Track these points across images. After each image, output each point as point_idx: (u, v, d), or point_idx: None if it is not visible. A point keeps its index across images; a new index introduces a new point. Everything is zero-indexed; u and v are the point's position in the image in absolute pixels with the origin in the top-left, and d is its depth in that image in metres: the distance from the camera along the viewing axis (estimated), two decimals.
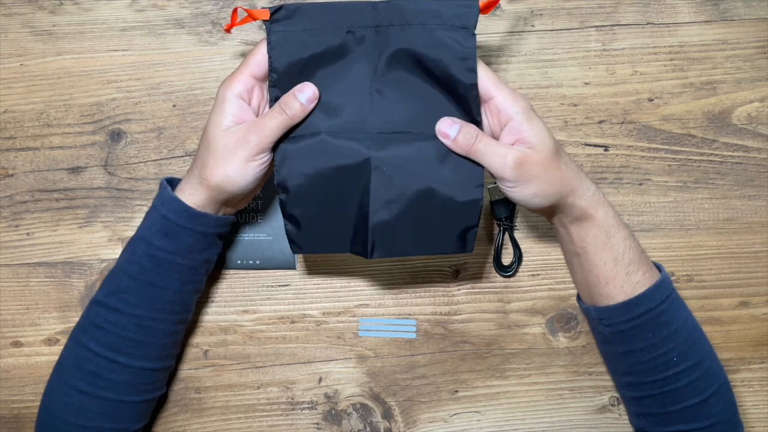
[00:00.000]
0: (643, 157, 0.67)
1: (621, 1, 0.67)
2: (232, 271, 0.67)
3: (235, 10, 0.58)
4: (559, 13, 0.67)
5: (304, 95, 0.54)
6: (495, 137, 0.55)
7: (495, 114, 0.55)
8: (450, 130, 0.54)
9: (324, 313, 0.67)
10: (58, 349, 0.66)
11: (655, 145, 0.67)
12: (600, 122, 0.67)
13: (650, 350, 0.57)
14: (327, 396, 0.67)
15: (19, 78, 0.67)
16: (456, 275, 0.67)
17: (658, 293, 0.56)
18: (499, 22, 0.67)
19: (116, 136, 0.67)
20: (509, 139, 0.54)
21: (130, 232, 0.66)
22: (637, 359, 0.58)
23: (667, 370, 0.57)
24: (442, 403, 0.67)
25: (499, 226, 0.66)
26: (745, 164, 0.67)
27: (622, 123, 0.67)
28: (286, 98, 0.54)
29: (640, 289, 0.56)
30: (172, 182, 0.59)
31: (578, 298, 0.63)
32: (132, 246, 0.58)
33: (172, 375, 0.66)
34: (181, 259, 0.57)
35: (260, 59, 0.55)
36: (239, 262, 0.66)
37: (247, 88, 0.55)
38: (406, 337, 0.67)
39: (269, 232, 0.66)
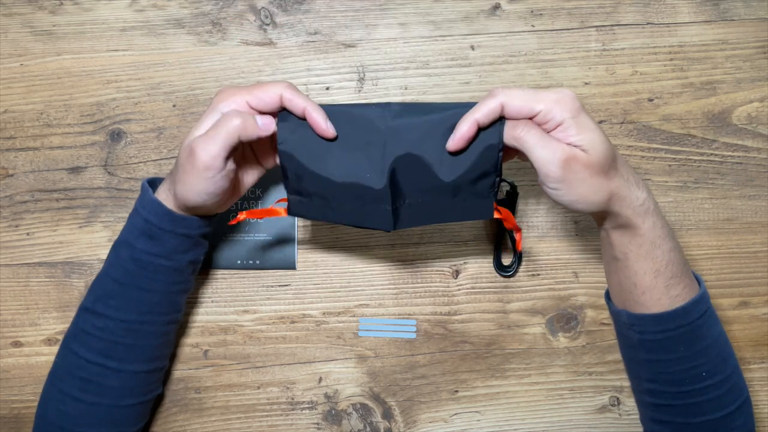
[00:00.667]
0: (643, 157, 0.67)
1: (621, 1, 0.67)
2: (232, 271, 0.67)
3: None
4: (559, 13, 0.67)
5: (261, 119, 0.53)
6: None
7: (543, 125, 0.51)
8: (499, 106, 0.51)
9: (324, 313, 0.67)
10: (58, 349, 0.66)
11: (655, 145, 0.67)
12: (600, 122, 0.67)
13: (679, 362, 0.55)
14: (327, 396, 0.67)
15: (19, 78, 0.67)
16: (456, 275, 0.67)
17: (696, 309, 0.54)
18: (499, 22, 0.67)
19: (116, 136, 0.67)
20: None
21: None
22: (664, 369, 0.56)
23: (694, 384, 0.55)
24: (442, 403, 0.67)
25: (499, 226, 0.66)
26: (745, 164, 0.67)
27: (622, 123, 0.67)
28: (241, 114, 0.52)
29: (679, 303, 0.54)
30: (154, 183, 0.58)
31: (607, 297, 0.61)
32: (116, 250, 0.57)
33: (168, 374, 0.66)
34: (165, 261, 0.57)
35: (265, 97, 0.52)
36: (239, 262, 0.66)
37: (230, 150, 0.52)
38: (406, 337, 0.67)
39: (269, 232, 0.66)
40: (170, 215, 0.55)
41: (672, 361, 0.55)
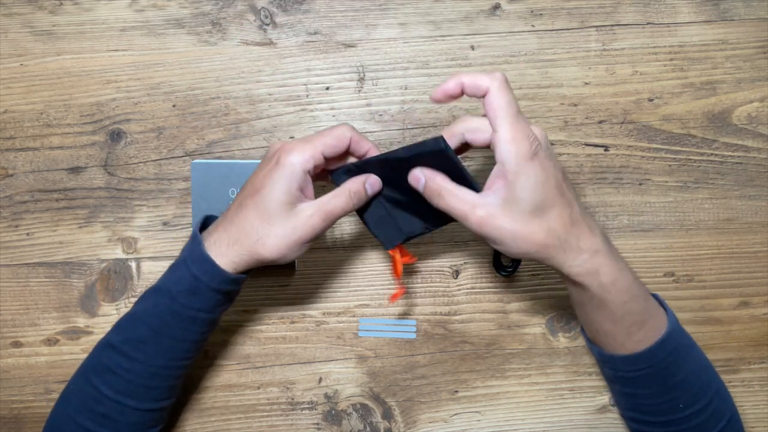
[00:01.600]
0: (643, 157, 0.67)
1: (621, 1, 0.67)
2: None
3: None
4: (559, 13, 0.67)
5: (371, 186, 0.55)
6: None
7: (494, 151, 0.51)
8: (418, 183, 0.53)
9: (324, 313, 0.67)
10: (57, 349, 0.66)
11: (655, 145, 0.67)
12: (600, 122, 0.67)
13: (655, 396, 0.55)
14: (327, 396, 0.67)
15: (19, 78, 0.67)
16: (456, 275, 0.67)
17: (663, 349, 0.54)
18: (499, 22, 0.67)
19: (116, 136, 0.67)
20: (492, 181, 0.51)
21: (130, 232, 0.66)
22: (641, 401, 0.57)
23: (674, 414, 0.55)
24: (442, 403, 0.67)
25: None
26: (745, 164, 0.67)
27: (622, 123, 0.67)
28: (356, 186, 0.55)
29: (643, 346, 0.54)
30: (206, 223, 0.57)
31: (582, 330, 0.61)
32: (155, 297, 0.56)
33: None
34: (205, 315, 0.55)
35: (338, 144, 0.54)
36: None
37: (317, 164, 0.53)
38: (406, 337, 0.67)
39: None
40: (224, 276, 0.53)
41: (648, 395, 0.56)
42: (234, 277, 0.54)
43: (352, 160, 0.57)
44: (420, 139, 0.66)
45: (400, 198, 0.57)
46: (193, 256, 0.54)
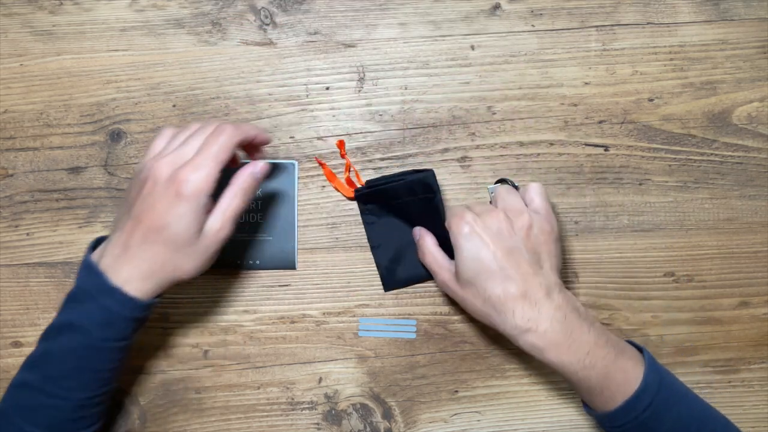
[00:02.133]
0: (643, 157, 0.67)
1: (621, 1, 0.67)
2: (232, 271, 0.67)
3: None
4: (559, 13, 0.67)
5: (260, 172, 0.56)
6: None
7: None
8: (415, 238, 0.64)
9: (324, 313, 0.67)
10: None
11: (655, 145, 0.67)
12: (600, 122, 0.67)
13: None
14: (327, 396, 0.67)
15: (19, 78, 0.67)
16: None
17: (637, 406, 0.53)
18: (499, 22, 0.67)
19: (116, 136, 0.67)
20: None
21: None
22: None
23: None
24: (442, 403, 0.67)
25: None
26: (745, 164, 0.67)
27: (622, 123, 0.67)
28: (246, 183, 0.55)
29: (614, 404, 0.54)
30: (98, 243, 0.57)
31: None
32: (67, 334, 0.54)
33: (167, 374, 0.66)
34: (123, 343, 0.55)
35: (226, 156, 0.53)
36: (239, 262, 0.66)
37: (215, 182, 0.53)
38: (406, 337, 0.67)
39: (270, 232, 0.66)
40: (136, 305, 0.53)
41: None
42: (149, 303, 0.54)
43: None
44: (420, 138, 0.66)
45: (403, 240, 0.65)
46: (99, 288, 0.53)
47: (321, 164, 0.66)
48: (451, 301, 0.67)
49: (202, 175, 0.52)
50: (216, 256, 0.55)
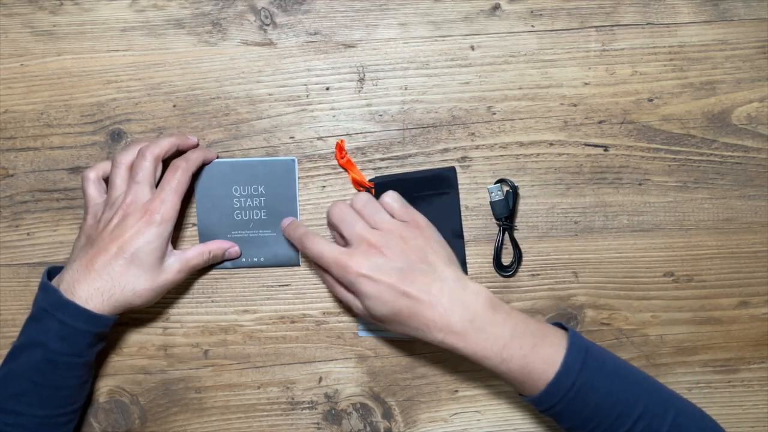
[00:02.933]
0: (643, 157, 0.67)
1: (621, 1, 0.67)
2: (232, 271, 0.67)
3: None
4: (559, 13, 0.67)
5: (229, 255, 0.65)
6: None
7: None
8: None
9: (324, 313, 0.67)
10: None
11: (654, 145, 0.67)
12: (600, 122, 0.67)
13: (580, 428, 0.55)
14: (327, 396, 0.67)
15: (20, 78, 0.67)
16: None
17: (560, 388, 0.54)
18: (499, 22, 0.67)
19: (116, 136, 0.67)
20: None
21: None
22: None
23: None
24: (442, 403, 0.67)
25: (498, 226, 0.66)
26: (745, 164, 0.67)
27: (622, 123, 0.67)
28: (216, 250, 0.64)
29: (538, 388, 0.54)
30: (51, 273, 0.60)
31: None
32: (26, 351, 0.57)
33: (168, 374, 0.66)
34: (80, 359, 0.57)
35: (186, 179, 0.61)
36: (243, 260, 0.66)
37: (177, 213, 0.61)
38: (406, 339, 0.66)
39: (273, 229, 0.66)
40: (92, 317, 0.57)
41: (574, 428, 0.55)
42: (104, 317, 0.57)
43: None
44: (420, 139, 0.67)
45: None
46: (55, 304, 0.57)
47: (341, 149, 0.66)
48: None
49: (168, 206, 0.59)
50: (162, 295, 0.62)
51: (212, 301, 0.67)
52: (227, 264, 0.66)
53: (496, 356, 0.55)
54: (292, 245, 0.64)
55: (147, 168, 0.60)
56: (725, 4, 0.67)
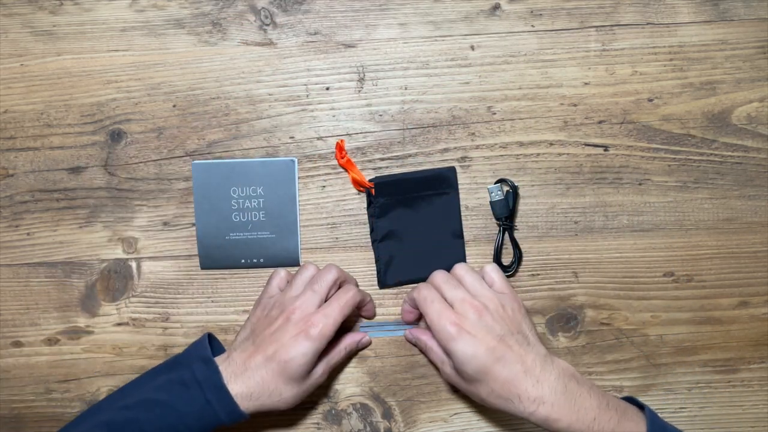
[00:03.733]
0: (642, 157, 0.67)
1: (621, 1, 0.67)
2: (232, 271, 0.67)
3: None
4: (559, 13, 0.67)
5: (362, 345, 0.66)
6: None
7: None
8: (412, 339, 0.66)
9: None
10: (58, 349, 0.66)
11: (654, 145, 0.67)
12: (600, 122, 0.67)
13: None
14: (327, 396, 0.67)
15: (20, 78, 0.67)
16: None
17: None
18: (499, 22, 0.67)
19: (116, 136, 0.67)
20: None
21: (131, 232, 0.66)
22: None
23: None
24: (442, 403, 0.67)
25: (498, 225, 0.66)
26: (745, 164, 0.67)
27: (622, 123, 0.67)
28: (351, 344, 0.65)
29: None
30: (212, 345, 0.61)
31: None
32: (160, 411, 0.57)
33: None
34: None
35: (349, 311, 0.60)
36: (243, 261, 0.66)
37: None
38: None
39: (272, 230, 0.66)
40: (235, 413, 0.57)
41: None
42: (242, 413, 0.57)
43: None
44: (420, 138, 0.67)
45: (408, 237, 0.66)
46: (213, 385, 0.57)
47: (341, 149, 0.66)
48: None
49: (329, 322, 0.58)
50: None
51: (212, 301, 0.67)
52: (225, 264, 0.66)
53: (588, 429, 0.55)
54: (295, 242, 0.64)
55: (327, 281, 0.60)
56: (725, 4, 0.67)
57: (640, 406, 0.58)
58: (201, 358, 0.58)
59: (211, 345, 0.61)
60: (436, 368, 0.64)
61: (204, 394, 0.56)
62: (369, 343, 0.66)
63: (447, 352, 0.58)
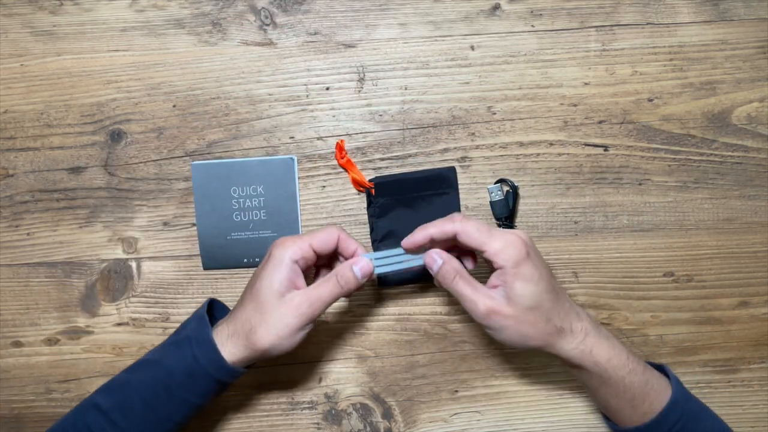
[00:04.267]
0: (643, 157, 0.67)
1: (621, 1, 0.67)
2: (232, 271, 0.67)
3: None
4: (559, 13, 0.67)
5: (359, 269, 0.57)
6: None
7: (487, 260, 0.56)
8: (434, 264, 0.57)
9: (324, 313, 0.67)
10: (58, 348, 0.66)
11: (654, 145, 0.67)
12: (600, 122, 0.67)
13: None
14: (327, 396, 0.67)
15: (20, 78, 0.67)
16: None
17: (670, 418, 0.55)
18: (499, 22, 0.67)
19: (116, 136, 0.67)
20: (495, 281, 0.55)
21: (131, 232, 0.66)
22: None
23: None
24: (442, 403, 0.67)
25: (499, 225, 0.66)
26: (745, 164, 0.67)
27: (622, 123, 0.67)
28: (343, 270, 0.56)
29: (650, 417, 0.55)
30: (212, 307, 0.60)
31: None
32: (152, 370, 0.57)
33: None
34: (195, 399, 0.57)
35: (327, 238, 0.57)
36: (246, 260, 0.66)
37: (305, 255, 0.56)
38: (417, 265, 0.59)
39: (274, 229, 0.66)
40: (223, 365, 0.55)
41: None
42: (231, 368, 0.56)
43: (341, 260, 0.59)
44: (420, 138, 0.67)
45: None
46: (199, 338, 0.56)
47: (341, 149, 0.66)
48: (451, 302, 0.67)
49: (292, 241, 0.56)
50: (294, 337, 0.56)
51: None
52: (227, 264, 0.66)
53: (624, 366, 0.56)
54: None
55: (318, 231, 0.58)
56: (725, 4, 0.67)
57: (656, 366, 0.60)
58: (195, 317, 0.58)
59: (217, 309, 0.61)
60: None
61: (192, 350, 0.56)
62: (368, 271, 0.57)
63: (513, 274, 0.54)
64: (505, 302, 0.54)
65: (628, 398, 0.56)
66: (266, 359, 0.57)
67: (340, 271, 0.56)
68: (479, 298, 0.55)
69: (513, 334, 0.55)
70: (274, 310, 0.55)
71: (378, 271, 0.58)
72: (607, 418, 0.61)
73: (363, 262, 0.57)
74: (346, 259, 0.59)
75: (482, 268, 0.61)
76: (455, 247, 0.58)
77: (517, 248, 0.54)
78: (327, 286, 0.56)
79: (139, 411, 0.56)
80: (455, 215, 0.56)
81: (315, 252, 0.57)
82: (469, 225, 0.55)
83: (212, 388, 0.57)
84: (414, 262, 0.58)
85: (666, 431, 0.55)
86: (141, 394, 0.56)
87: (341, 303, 0.67)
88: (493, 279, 0.56)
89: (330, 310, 0.67)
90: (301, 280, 0.56)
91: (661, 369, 0.59)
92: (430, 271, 0.57)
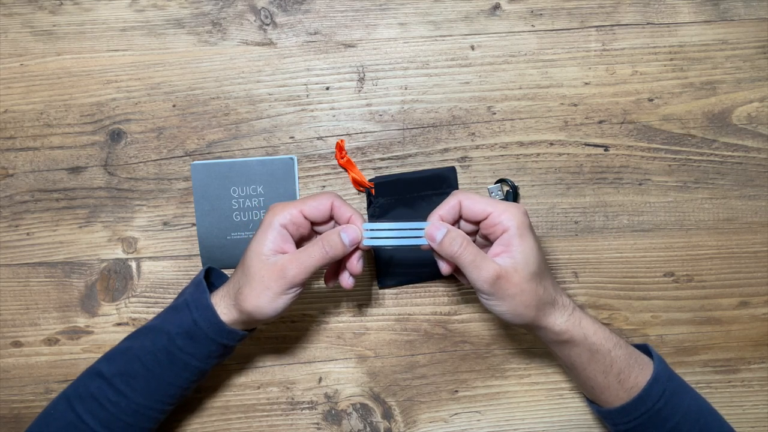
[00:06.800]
0: (643, 157, 0.67)
1: (621, 1, 0.67)
2: (232, 271, 0.66)
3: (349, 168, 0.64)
4: (559, 13, 0.67)
5: (347, 235, 0.55)
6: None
7: (490, 229, 0.55)
8: (437, 232, 0.55)
9: (324, 313, 0.67)
10: (58, 348, 0.66)
11: (655, 145, 0.67)
12: (600, 122, 0.67)
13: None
14: (327, 396, 0.67)
15: (19, 78, 0.67)
16: None
17: (653, 393, 0.56)
18: (499, 22, 0.67)
19: (116, 136, 0.67)
20: (497, 249, 0.55)
21: (130, 232, 0.66)
22: None
23: None
24: (442, 403, 0.67)
25: None
26: (745, 164, 0.67)
27: (622, 123, 0.67)
28: (330, 236, 0.55)
29: (635, 392, 0.56)
30: (210, 275, 0.61)
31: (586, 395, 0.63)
32: (152, 335, 0.57)
33: None
34: (197, 362, 0.57)
35: (318, 205, 0.56)
36: None
37: (293, 221, 0.56)
38: (416, 244, 0.56)
39: None
40: (220, 327, 0.56)
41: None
42: (230, 330, 0.56)
43: (336, 225, 0.58)
44: (420, 138, 0.66)
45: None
46: (197, 302, 0.57)
47: (341, 149, 0.66)
48: (451, 302, 0.67)
49: (282, 206, 0.56)
50: (280, 301, 0.55)
51: None
52: (227, 264, 0.66)
53: (609, 339, 0.57)
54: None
55: (311, 197, 0.57)
56: (725, 4, 0.67)
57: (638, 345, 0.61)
58: (193, 283, 0.59)
59: (215, 276, 0.62)
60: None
61: (191, 314, 0.56)
62: (357, 238, 0.56)
63: (518, 241, 0.54)
64: (512, 268, 0.53)
65: (615, 372, 0.56)
66: (256, 323, 0.58)
67: (326, 236, 0.55)
68: (487, 263, 0.53)
69: (517, 303, 0.54)
70: (257, 273, 0.55)
71: (370, 243, 0.56)
72: (592, 402, 0.61)
73: (351, 229, 0.55)
74: (340, 223, 0.58)
75: None
76: None
77: (520, 211, 0.55)
78: (312, 250, 0.55)
79: (142, 377, 0.56)
80: (454, 191, 0.57)
81: (307, 218, 0.56)
82: (471, 193, 0.56)
83: (213, 351, 0.57)
84: (411, 240, 0.56)
85: (650, 407, 0.56)
86: (142, 360, 0.56)
87: (341, 303, 0.67)
88: (495, 248, 0.55)
89: (330, 310, 0.67)
90: (290, 245, 0.56)
91: (645, 349, 0.60)
92: (431, 244, 0.55)
